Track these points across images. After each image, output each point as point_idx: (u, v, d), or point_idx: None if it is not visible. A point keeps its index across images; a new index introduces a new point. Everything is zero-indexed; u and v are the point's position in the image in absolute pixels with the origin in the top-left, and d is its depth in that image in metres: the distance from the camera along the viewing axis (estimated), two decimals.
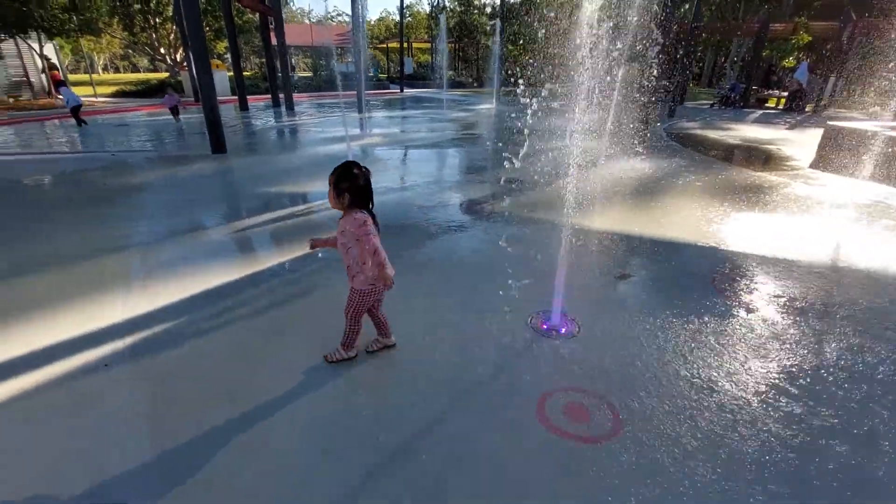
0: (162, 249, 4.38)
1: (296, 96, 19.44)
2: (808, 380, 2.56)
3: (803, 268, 4.04)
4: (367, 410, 2.33)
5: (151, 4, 26.18)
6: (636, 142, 9.36)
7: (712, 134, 12.43)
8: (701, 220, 5.28)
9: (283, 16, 19.24)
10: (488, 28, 34.99)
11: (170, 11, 25.51)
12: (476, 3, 37.84)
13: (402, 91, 27.85)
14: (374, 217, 2.36)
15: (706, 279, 3.81)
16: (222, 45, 29.85)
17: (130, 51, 41.66)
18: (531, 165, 7.92)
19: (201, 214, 5.58)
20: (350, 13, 17.51)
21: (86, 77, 29.00)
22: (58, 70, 22.09)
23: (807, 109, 18.26)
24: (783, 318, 3.21)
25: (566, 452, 2.06)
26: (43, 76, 21.37)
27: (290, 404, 2.35)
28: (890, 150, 6.88)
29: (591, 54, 2.98)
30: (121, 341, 2.87)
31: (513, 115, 16.21)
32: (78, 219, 5.34)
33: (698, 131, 12.86)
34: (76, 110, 12.46)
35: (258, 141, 11.12)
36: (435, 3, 38.82)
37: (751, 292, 3.59)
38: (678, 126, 13.78)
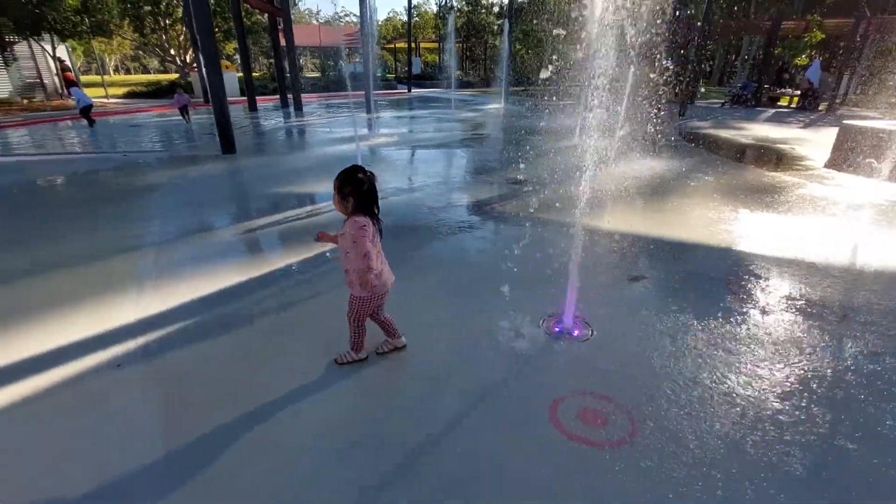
0: (174, 249, 4.40)
1: (304, 97, 19.52)
2: (828, 386, 2.50)
3: (821, 270, 3.96)
4: (376, 412, 2.31)
5: (161, 6, 26.45)
6: (647, 141, 9.27)
7: (724, 133, 12.28)
8: (714, 221, 5.20)
9: (292, 17, 19.31)
10: (496, 27, 34.92)
11: (180, 13, 25.75)
12: (484, 2, 37.76)
13: (409, 91, 27.87)
14: (378, 222, 2.34)
15: (721, 281, 3.75)
16: (231, 46, 30.07)
17: (141, 52, 42.15)
18: (540, 166, 7.88)
19: (212, 215, 5.61)
20: (358, 13, 17.53)
21: (97, 78, 29.36)
22: (70, 71, 22.38)
23: (820, 108, 17.99)
24: (801, 322, 3.14)
25: (579, 457, 2.02)
26: (56, 78, 21.66)
27: (300, 404, 2.35)
28: None
29: (601, 53, 2.93)
30: (133, 342, 2.88)
31: (521, 114, 16.15)
32: (91, 219, 5.38)
33: (710, 130, 12.71)
34: (87, 110, 12.61)
35: (267, 141, 11.17)
36: (443, 3, 38.82)
37: (767, 295, 3.53)
38: (689, 125, 13.64)
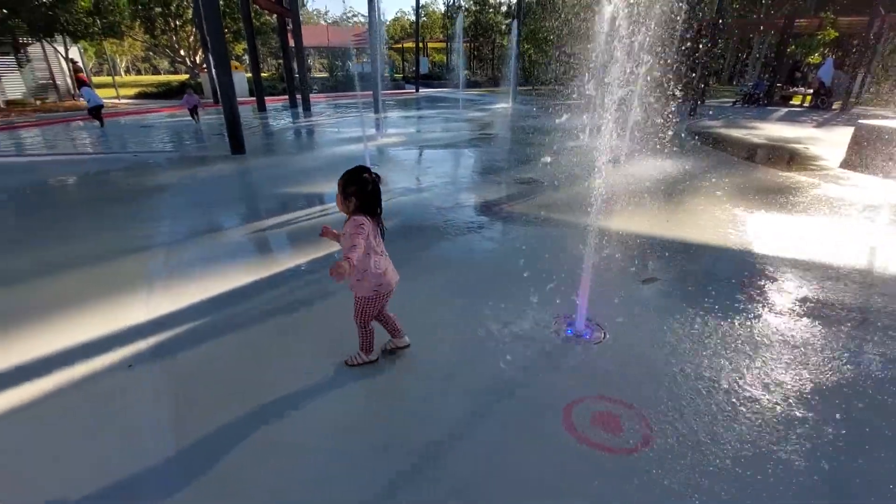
0: (184, 250, 4.41)
1: (312, 97, 19.60)
2: (850, 392, 2.43)
3: (838, 273, 3.88)
4: (385, 413, 2.29)
5: (172, 7, 26.68)
6: (657, 141, 9.17)
7: (736, 132, 12.13)
8: (728, 222, 5.12)
9: (300, 17, 19.39)
10: (504, 27, 34.81)
11: (190, 14, 25.94)
12: (492, 1, 37.66)
13: (417, 91, 27.87)
14: (381, 224, 2.31)
15: (735, 284, 3.68)
16: (241, 47, 30.29)
17: (151, 53, 42.60)
18: (549, 165, 7.82)
19: (222, 215, 5.63)
20: (366, 13, 17.56)
21: (109, 79, 29.71)
22: (83, 72, 22.67)
23: (834, 107, 17.72)
24: (819, 326, 3.07)
25: (593, 463, 1.98)
26: (69, 79, 21.93)
27: (307, 405, 2.34)
28: None
29: (612, 51, 2.89)
30: (144, 342, 2.89)
31: (530, 114, 16.08)
32: (102, 219, 5.43)
33: (722, 130, 12.56)
34: (97, 110, 12.74)
35: (276, 142, 11.21)
36: (451, 3, 38.77)
37: (783, 298, 3.46)
38: (700, 124, 13.49)
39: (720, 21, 16.96)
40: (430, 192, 6.35)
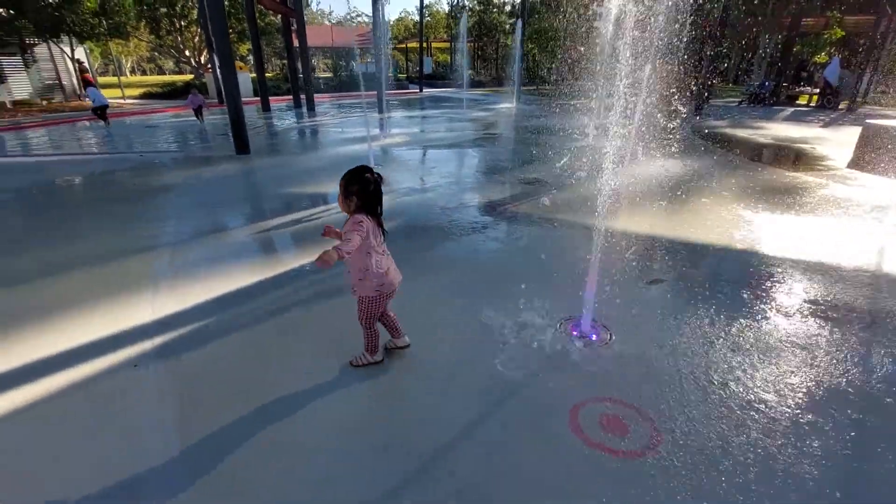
0: (189, 250, 4.42)
1: (316, 97, 19.62)
2: (859, 395, 2.40)
3: (847, 275, 3.84)
4: (390, 414, 2.28)
5: (177, 8, 26.80)
6: (663, 141, 9.13)
7: (742, 132, 12.05)
8: (735, 223, 5.09)
9: (304, 18, 19.42)
10: (508, 27, 34.77)
11: (195, 14, 26.05)
12: (496, 1, 37.63)
13: (421, 91, 27.86)
14: (381, 225, 2.30)
15: (742, 285, 3.65)
16: (245, 47, 30.36)
17: (157, 53, 42.81)
18: (554, 165, 7.80)
19: (226, 215, 5.64)
20: (370, 13, 17.58)
21: (114, 79, 29.87)
22: (89, 72, 22.79)
23: (840, 107, 17.58)
24: (828, 328, 3.04)
25: (599, 465, 1.97)
26: (75, 80, 22.05)
27: (312, 405, 2.33)
28: None
29: (617, 51, 2.87)
30: (149, 342, 2.89)
31: (534, 114, 16.04)
32: (107, 219, 5.44)
33: (728, 129, 12.48)
34: (102, 110, 12.80)
35: (280, 142, 11.23)
36: (454, 3, 38.78)
37: (790, 299, 3.42)
38: (706, 124, 13.41)
39: (727, 21, 16.86)
40: (435, 193, 6.34)
